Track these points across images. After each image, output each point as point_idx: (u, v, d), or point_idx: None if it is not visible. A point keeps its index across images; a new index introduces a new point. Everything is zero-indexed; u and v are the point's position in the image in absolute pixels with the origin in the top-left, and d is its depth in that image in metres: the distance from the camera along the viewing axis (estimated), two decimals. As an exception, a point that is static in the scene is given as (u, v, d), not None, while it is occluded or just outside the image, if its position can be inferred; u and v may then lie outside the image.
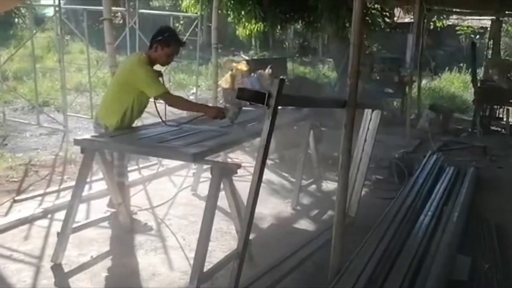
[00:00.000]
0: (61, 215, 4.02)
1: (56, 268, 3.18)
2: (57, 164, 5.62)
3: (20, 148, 6.22)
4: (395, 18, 12.35)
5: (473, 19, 15.97)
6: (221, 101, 7.90)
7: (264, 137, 1.95)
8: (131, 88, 3.55)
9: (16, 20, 18.72)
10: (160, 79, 3.63)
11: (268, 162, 6.00)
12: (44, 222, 3.95)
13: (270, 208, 4.47)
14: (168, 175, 5.45)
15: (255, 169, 2.01)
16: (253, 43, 20.01)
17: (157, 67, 3.72)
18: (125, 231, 3.74)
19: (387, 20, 10.64)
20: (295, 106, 3.65)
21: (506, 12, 10.34)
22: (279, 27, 12.80)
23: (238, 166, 2.94)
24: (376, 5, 9.69)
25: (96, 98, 8.43)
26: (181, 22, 16.31)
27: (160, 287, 3.00)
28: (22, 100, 8.51)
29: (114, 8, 6.16)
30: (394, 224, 3.72)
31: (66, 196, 4.51)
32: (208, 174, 5.17)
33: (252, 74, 9.25)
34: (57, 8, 6.32)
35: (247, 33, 11.75)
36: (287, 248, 3.37)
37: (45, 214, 4.09)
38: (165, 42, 3.59)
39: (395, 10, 12.08)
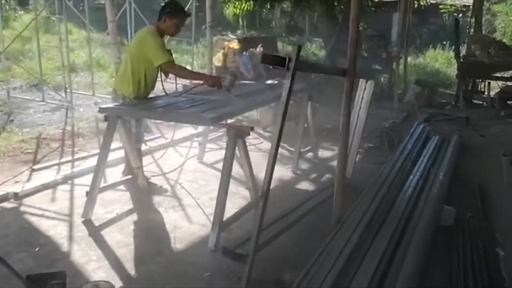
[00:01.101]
0: (80, 180, 4.42)
1: (87, 223, 3.53)
2: (66, 138, 5.90)
3: (26, 124, 6.45)
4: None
5: (457, -3, 16.39)
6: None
7: (284, 95, 2.30)
8: (142, 58, 3.87)
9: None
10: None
11: (266, 134, 6.38)
12: (65, 187, 4.27)
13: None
14: (173, 146, 5.77)
15: (278, 121, 2.37)
16: (241, 22, 20.17)
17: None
18: (143, 193, 4.09)
19: (374, -1, 10.99)
20: (307, 72, 3.97)
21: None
22: (268, 6, 13.04)
23: (251, 128, 3.29)
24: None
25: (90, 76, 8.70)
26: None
27: (183, 237, 3.37)
28: (20, 79, 8.70)
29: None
30: (386, 183, 4.12)
31: (81, 165, 4.85)
32: (212, 145, 5.61)
33: (244, 52, 9.52)
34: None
35: (237, 12, 11.97)
36: (291, 204, 3.76)
37: (65, 180, 4.41)
38: (173, 13, 3.92)
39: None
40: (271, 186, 4.44)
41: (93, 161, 4.84)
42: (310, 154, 5.51)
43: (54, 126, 6.41)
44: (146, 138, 5.85)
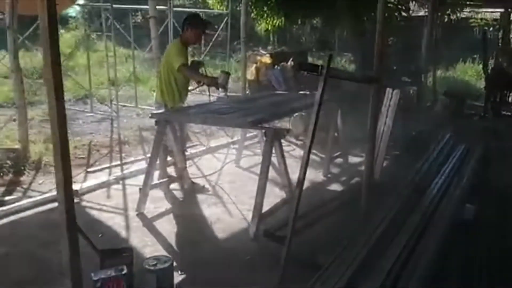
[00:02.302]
0: (130, 181, 4.88)
1: (141, 215, 3.99)
2: (113, 145, 6.43)
3: (77, 133, 7.02)
4: (411, 12, 12.94)
5: (486, 11, 16.44)
6: (247, 92, 8.58)
7: (317, 98, 2.68)
8: (171, 67, 4.38)
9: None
10: (202, 69, 4.55)
11: (298, 143, 6.74)
12: (118, 187, 4.76)
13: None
14: (211, 153, 6.21)
15: (312, 121, 2.75)
16: (271, 38, 20.69)
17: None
18: (187, 191, 4.51)
19: (403, 13, 11.28)
20: (337, 78, 4.33)
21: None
22: (299, 22, 13.48)
23: (287, 130, 3.68)
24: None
25: (130, 90, 9.36)
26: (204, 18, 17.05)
27: (225, 228, 3.77)
28: (67, 93, 9.36)
29: (158, 7, 6.90)
30: (413, 183, 4.42)
31: (129, 168, 5.34)
32: (247, 152, 6.01)
33: (276, 66, 9.94)
34: (107, 8, 7.08)
35: (269, 28, 12.45)
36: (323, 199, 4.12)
37: (117, 180, 4.90)
38: (193, 24, 4.47)
39: (411, 3, 12.68)
40: (304, 188, 4.86)
41: (139, 165, 5.40)
42: (339, 160, 5.84)
43: (102, 135, 6.95)
44: (186, 146, 6.35)
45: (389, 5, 10.16)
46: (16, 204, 4.07)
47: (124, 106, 8.46)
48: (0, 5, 5.20)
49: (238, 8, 9.80)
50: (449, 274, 2.94)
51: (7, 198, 4.24)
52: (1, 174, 4.80)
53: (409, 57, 10.35)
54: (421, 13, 14.07)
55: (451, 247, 3.25)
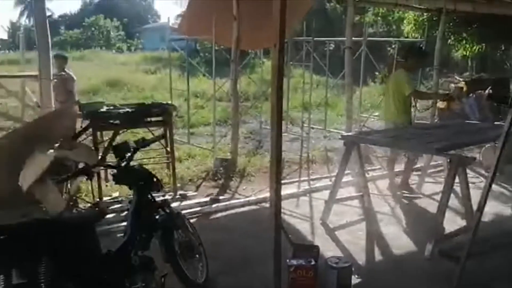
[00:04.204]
0: (316, 195, 5.46)
1: (324, 225, 4.53)
2: (303, 162, 7.11)
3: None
4: None
5: None
6: (435, 120, 8.47)
7: (505, 128, 2.78)
8: (401, 93, 5.22)
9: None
10: None
11: (487, 175, 6.43)
12: (305, 198, 5.39)
13: (490, 208, 4.99)
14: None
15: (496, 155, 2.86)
16: (469, 64, 19.52)
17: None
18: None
19: None
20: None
21: None
22: (502, 47, 12.63)
23: (473, 158, 3.78)
24: None
25: (319, 114, 10.07)
26: (393, 46, 17.10)
27: (402, 246, 4.04)
28: (264, 115, 10.52)
29: (354, 38, 7.41)
30: None
31: (316, 184, 5.93)
32: (429, 179, 6.04)
33: (471, 94, 9.54)
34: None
35: (467, 54, 11.96)
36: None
37: (305, 193, 5.54)
38: (416, 54, 5.45)
39: None
40: (489, 219, 4.73)
41: (325, 182, 5.93)
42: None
43: (293, 153, 7.72)
44: (368, 168, 6.65)
45: None
46: (228, 202, 5.08)
47: (313, 128, 9.19)
48: (225, 41, 6.37)
49: (434, 34, 9.71)
50: None
51: (221, 197, 5.24)
52: (216, 178, 5.88)
53: None
54: None
55: None
